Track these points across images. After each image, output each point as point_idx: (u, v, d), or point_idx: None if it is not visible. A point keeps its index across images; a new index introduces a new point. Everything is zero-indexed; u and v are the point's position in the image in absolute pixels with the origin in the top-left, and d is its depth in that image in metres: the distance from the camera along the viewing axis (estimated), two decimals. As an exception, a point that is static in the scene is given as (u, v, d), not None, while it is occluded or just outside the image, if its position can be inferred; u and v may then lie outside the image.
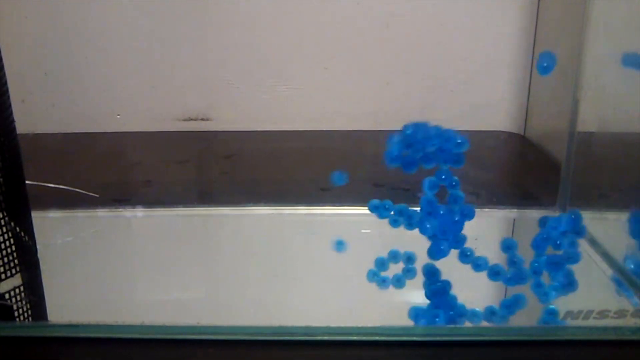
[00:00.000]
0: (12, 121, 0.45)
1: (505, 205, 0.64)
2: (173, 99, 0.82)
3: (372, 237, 0.60)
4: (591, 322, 0.45)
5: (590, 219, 0.54)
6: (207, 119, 0.83)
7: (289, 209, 0.63)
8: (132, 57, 0.80)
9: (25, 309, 0.46)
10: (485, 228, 0.61)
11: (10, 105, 0.45)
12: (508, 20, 0.79)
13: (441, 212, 0.48)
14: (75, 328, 0.41)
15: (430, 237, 0.48)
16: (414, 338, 0.41)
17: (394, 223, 0.50)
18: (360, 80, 0.81)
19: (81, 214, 0.62)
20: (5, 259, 0.45)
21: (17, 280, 0.46)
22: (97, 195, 0.63)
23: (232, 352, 0.39)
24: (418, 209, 0.48)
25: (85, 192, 0.63)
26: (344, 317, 0.44)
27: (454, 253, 0.48)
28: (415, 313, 0.45)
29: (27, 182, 0.47)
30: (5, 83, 0.44)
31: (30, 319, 0.46)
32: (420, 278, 0.49)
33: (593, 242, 0.55)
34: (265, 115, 0.82)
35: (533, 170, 0.75)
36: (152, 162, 0.78)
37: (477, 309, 0.46)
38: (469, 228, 0.63)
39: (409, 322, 0.44)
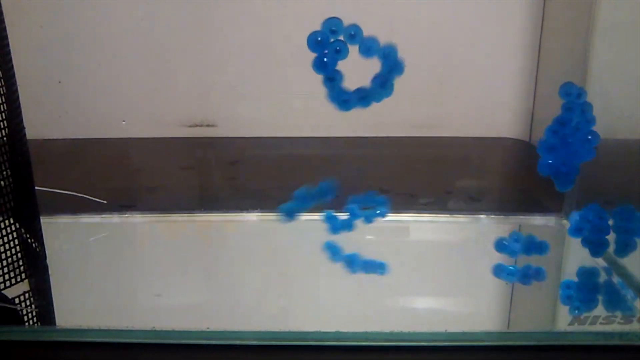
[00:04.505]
0: (23, 128, 0.45)
1: (511, 211, 0.64)
2: (178, 106, 0.83)
3: (376, 242, 0.60)
4: (598, 327, 0.45)
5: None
6: (213, 125, 0.83)
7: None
8: (138, 64, 0.80)
9: (33, 313, 0.46)
10: (490, 234, 0.61)
11: (20, 112, 0.45)
12: (513, 27, 0.79)
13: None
14: (84, 333, 0.41)
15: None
16: (422, 343, 0.41)
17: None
18: (364, 86, 0.81)
19: (89, 220, 0.62)
20: (15, 264, 0.45)
21: (26, 285, 0.47)
22: (105, 202, 0.64)
23: (241, 357, 0.39)
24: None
25: (93, 199, 0.64)
26: (350, 321, 0.44)
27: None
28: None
29: (36, 187, 0.47)
30: (17, 90, 0.45)
31: (38, 323, 0.46)
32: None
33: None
34: (270, 121, 0.82)
35: (538, 177, 0.75)
36: (158, 168, 0.78)
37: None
38: (472, 233, 0.64)
39: (412, 325, 0.44)
